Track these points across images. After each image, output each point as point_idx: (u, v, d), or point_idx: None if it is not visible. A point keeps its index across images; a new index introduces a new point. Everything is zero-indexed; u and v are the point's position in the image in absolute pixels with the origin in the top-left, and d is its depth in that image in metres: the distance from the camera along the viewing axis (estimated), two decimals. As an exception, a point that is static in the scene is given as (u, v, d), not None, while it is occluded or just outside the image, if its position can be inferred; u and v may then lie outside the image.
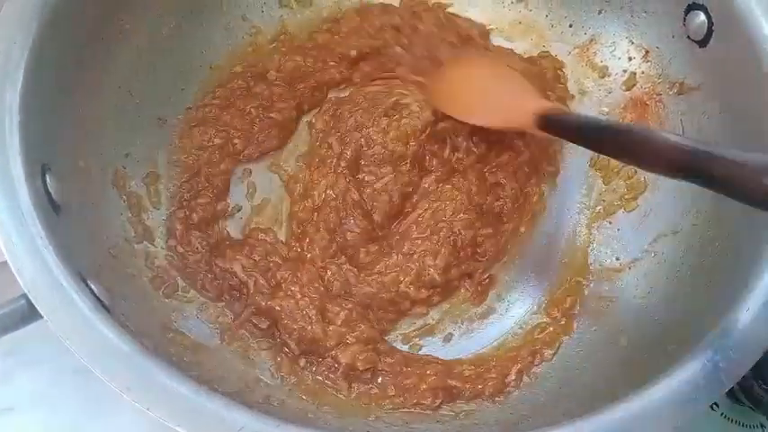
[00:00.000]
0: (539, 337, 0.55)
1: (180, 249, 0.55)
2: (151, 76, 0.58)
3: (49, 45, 0.47)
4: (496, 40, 0.65)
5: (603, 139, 0.45)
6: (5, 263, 0.40)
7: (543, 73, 0.62)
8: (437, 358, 0.55)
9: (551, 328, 0.55)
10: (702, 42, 0.55)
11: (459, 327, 0.57)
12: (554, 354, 0.54)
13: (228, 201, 0.59)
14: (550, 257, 0.59)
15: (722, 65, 0.53)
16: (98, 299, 0.41)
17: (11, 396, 0.57)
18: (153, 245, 0.54)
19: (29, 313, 0.39)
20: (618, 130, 0.46)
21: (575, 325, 0.55)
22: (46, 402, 0.56)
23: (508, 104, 0.55)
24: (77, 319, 0.38)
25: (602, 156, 0.60)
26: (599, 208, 0.60)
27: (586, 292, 0.57)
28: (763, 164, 0.34)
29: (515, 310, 0.58)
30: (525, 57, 0.63)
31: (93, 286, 0.41)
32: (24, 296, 0.39)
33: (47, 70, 0.46)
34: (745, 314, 0.41)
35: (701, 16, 0.54)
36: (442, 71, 0.61)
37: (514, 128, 0.55)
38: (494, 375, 0.52)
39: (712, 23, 0.53)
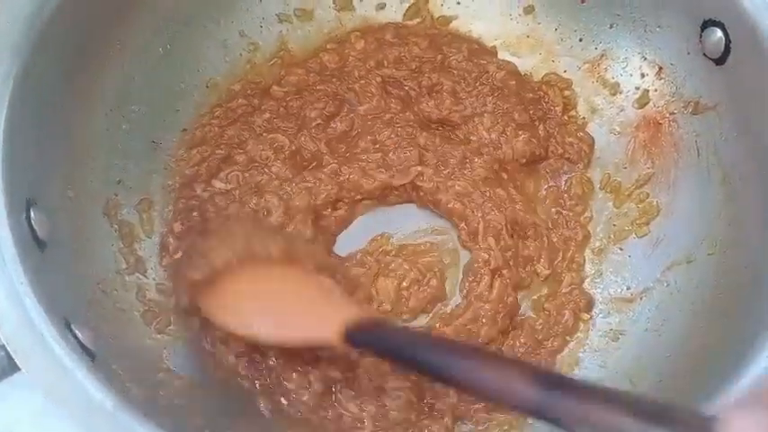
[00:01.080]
0: None
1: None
2: (144, 98, 0.56)
3: (33, 72, 0.45)
4: (503, 55, 0.62)
5: (433, 360, 0.37)
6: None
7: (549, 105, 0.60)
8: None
9: None
10: (719, 60, 0.52)
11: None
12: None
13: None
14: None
15: (740, 84, 0.51)
16: (83, 346, 0.39)
17: (11, 418, 0.55)
18: (145, 276, 0.53)
19: (8, 366, 0.37)
20: (463, 352, 0.37)
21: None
22: (44, 425, 0.55)
23: (309, 311, 0.45)
24: (59, 372, 0.37)
25: (614, 177, 0.58)
26: (609, 233, 0.58)
27: (592, 325, 0.55)
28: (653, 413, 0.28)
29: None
30: (527, 85, 0.61)
31: (77, 332, 0.40)
32: (3, 348, 0.37)
33: (32, 100, 0.45)
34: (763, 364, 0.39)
35: (719, 33, 0.51)
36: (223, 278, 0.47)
37: (318, 342, 0.44)
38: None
39: (730, 41, 0.51)
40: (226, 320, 0.46)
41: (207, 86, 0.60)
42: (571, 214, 0.58)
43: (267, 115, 0.58)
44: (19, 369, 0.37)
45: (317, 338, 0.43)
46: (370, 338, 0.41)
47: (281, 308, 0.47)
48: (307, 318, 0.45)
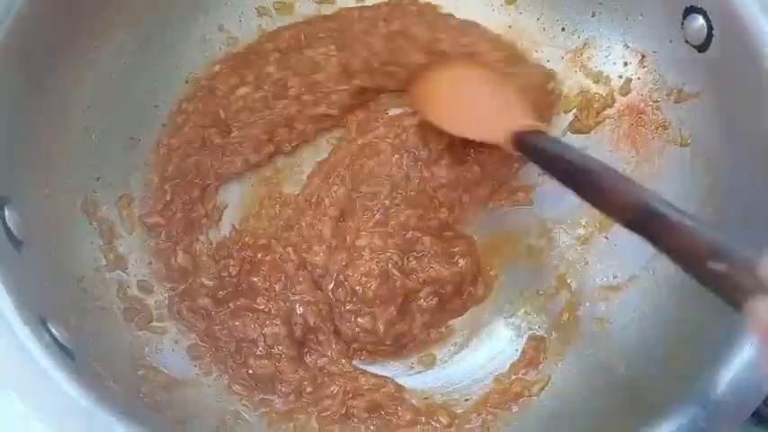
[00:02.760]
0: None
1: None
2: (122, 96, 0.55)
3: (5, 71, 0.44)
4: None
5: (570, 174, 0.43)
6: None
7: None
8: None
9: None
10: (702, 47, 0.52)
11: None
12: (542, 388, 0.51)
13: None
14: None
15: (723, 71, 0.51)
16: (60, 344, 0.38)
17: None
18: (126, 273, 0.52)
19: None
20: (587, 170, 0.43)
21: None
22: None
23: (487, 116, 0.53)
24: (33, 372, 0.36)
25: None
26: (595, 222, 0.57)
27: (580, 314, 0.54)
28: (712, 245, 0.33)
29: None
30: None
31: (54, 331, 0.39)
32: (-23, 348, 0.36)
33: (4, 97, 0.44)
34: (751, 346, 0.39)
35: (700, 20, 0.51)
36: (426, 75, 0.58)
37: (492, 142, 0.52)
38: None
39: (712, 27, 0.50)
40: (425, 109, 0.57)
41: (186, 81, 0.59)
42: None
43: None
44: (-7, 370, 0.36)
45: (490, 137, 0.51)
46: (528, 146, 0.48)
47: (467, 108, 0.55)
48: (486, 120, 0.53)
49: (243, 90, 0.59)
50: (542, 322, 0.55)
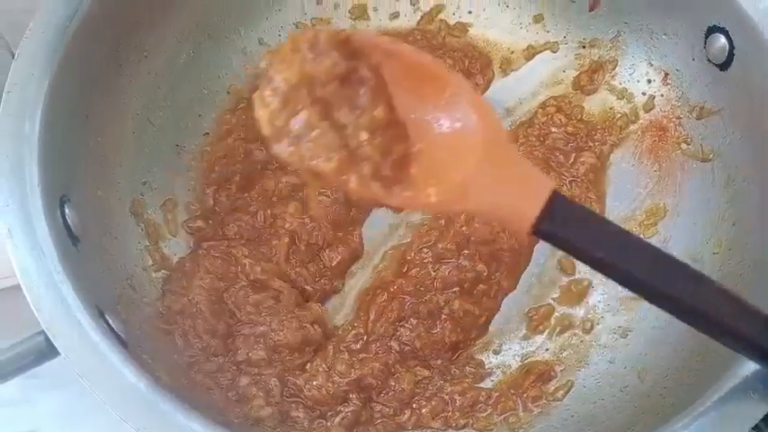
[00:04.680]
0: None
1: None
2: (169, 103, 0.58)
3: (66, 76, 0.47)
4: (517, 62, 0.65)
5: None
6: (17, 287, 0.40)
7: None
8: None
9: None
10: (723, 66, 0.54)
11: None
12: (566, 392, 0.53)
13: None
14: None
15: (744, 89, 0.53)
16: (115, 333, 0.41)
17: (35, 418, 0.57)
18: (171, 272, 0.55)
19: (47, 350, 0.39)
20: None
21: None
22: (70, 424, 0.57)
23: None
24: (94, 356, 0.39)
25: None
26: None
27: (601, 324, 0.56)
28: None
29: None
30: None
31: (110, 320, 0.42)
32: (42, 333, 0.39)
33: (65, 101, 0.47)
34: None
35: (722, 39, 0.53)
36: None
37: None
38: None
39: (734, 47, 0.52)
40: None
41: (228, 92, 0.62)
42: None
43: None
44: (58, 354, 0.39)
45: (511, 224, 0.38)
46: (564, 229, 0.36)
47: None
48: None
49: None
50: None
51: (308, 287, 0.56)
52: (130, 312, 0.48)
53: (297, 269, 0.56)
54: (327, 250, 0.57)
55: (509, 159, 0.37)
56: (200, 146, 0.60)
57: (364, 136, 0.34)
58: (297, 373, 0.51)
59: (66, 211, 0.45)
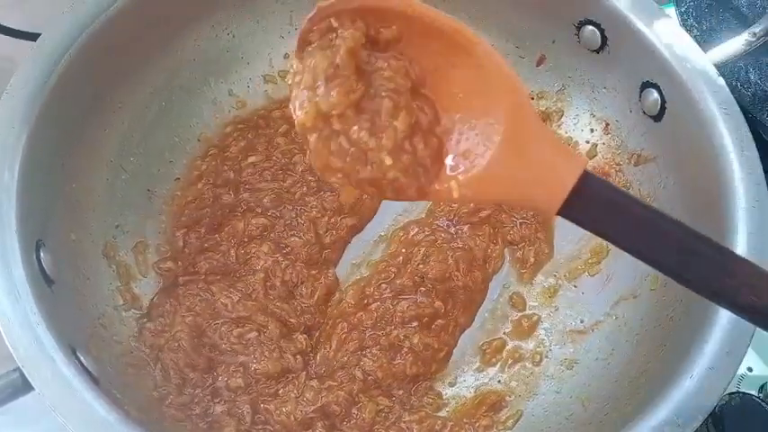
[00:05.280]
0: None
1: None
2: (141, 150, 0.62)
3: (44, 128, 0.51)
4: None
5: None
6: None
7: None
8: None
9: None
10: (657, 117, 0.58)
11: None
12: (515, 422, 0.56)
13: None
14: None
15: (676, 138, 0.57)
16: (87, 370, 0.44)
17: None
18: (140, 311, 0.57)
19: (22, 386, 0.41)
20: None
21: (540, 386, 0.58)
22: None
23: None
24: (67, 391, 0.41)
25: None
26: (565, 272, 0.63)
27: (549, 356, 0.59)
28: None
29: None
30: None
31: (82, 358, 0.44)
32: (18, 369, 0.41)
33: (43, 151, 0.50)
34: (689, 381, 0.44)
35: (655, 93, 0.58)
36: None
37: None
38: None
39: (665, 100, 0.57)
40: None
41: (198, 140, 0.66)
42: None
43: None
44: (32, 389, 0.41)
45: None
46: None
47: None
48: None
49: (252, 158, 0.64)
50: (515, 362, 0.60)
51: (292, 320, 0.58)
52: (101, 350, 0.50)
53: (277, 303, 0.58)
54: (302, 287, 0.60)
55: (539, 135, 0.35)
56: (170, 190, 0.63)
57: (388, 161, 0.34)
58: (268, 399, 0.54)
59: (42, 254, 0.48)
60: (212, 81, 0.67)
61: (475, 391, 0.58)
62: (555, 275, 0.63)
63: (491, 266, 0.63)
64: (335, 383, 0.55)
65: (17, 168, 0.48)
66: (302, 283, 0.60)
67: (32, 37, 0.51)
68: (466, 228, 0.63)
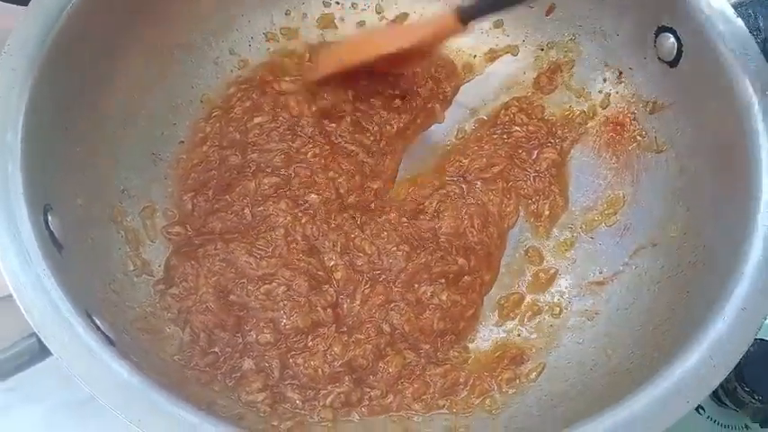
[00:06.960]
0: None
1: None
2: (144, 114, 0.60)
3: (46, 88, 0.48)
4: (479, 66, 0.68)
5: None
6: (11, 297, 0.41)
7: None
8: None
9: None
10: (673, 63, 0.57)
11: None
12: (539, 374, 0.56)
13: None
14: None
15: (692, 84, 0.56)
16: (104, 334, 0.42)
17: (12, 429, 0.58)
18: (152, 276, 0.56)
19: (39, 351, 0.40)
20: None
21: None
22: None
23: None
24: (86, 354, 0.40)
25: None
26: (582, 223, 0.62)
27: (569, 308, 0.59)
28: None
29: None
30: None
31: (98, 321, 0.43)
32: (34, 335, 0.40)
33: (45, 113, 0.48)
34: (722, 323, 0.44)
35: (671, 39, 0.56)
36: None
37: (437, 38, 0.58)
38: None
39: (682, 45, 0.56)
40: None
41: (201, 101, 0.64)
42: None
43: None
44: (49, 354, 0.40)
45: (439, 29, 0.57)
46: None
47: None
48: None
49: (258, 119, 0.62)
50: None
51: (320, 273, 0.57)
52: (115, 316, 0.49)
53: (302, 257, 0.57)
54: (324, 239, 0.58)
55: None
56: (175, 154, 0.61)
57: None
58: (297, 353, 0.53)
59: (50, 218, 0.46)
60: (212, 40, 0.64)
61: (494, 346, 0.58)
62: (571, 228, 0.62)
63: (506, 222, 0.62)
64: (363, 337, 0.54)
65: (20, 129, 0.46)
66: (324, 236, 0.58)
67: (24, 2, 0.50)
68: (479, 183, 0.62)
